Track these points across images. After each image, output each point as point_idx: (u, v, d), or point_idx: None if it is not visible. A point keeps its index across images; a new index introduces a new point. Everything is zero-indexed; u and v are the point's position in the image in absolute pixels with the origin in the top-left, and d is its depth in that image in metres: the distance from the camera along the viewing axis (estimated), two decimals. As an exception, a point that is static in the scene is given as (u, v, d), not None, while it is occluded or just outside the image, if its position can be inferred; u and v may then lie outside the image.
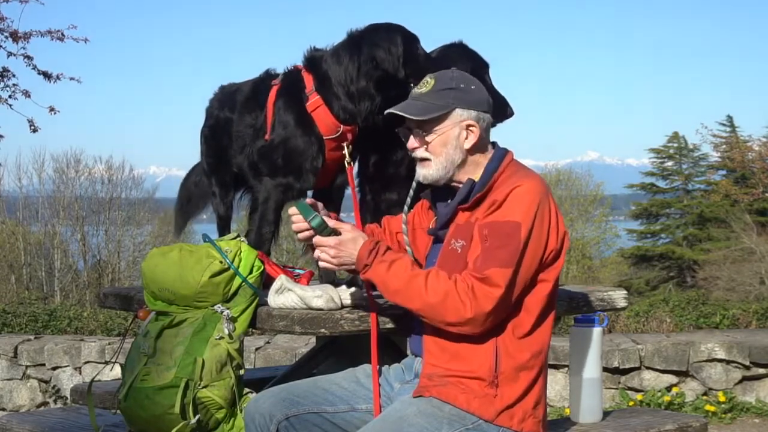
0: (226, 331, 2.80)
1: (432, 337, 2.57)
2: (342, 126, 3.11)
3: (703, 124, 45.77)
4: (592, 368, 3.20)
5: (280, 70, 3.28)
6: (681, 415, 3.52)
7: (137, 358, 2.84)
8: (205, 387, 2.75)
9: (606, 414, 3.32)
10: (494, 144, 2.71)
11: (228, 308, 2.83)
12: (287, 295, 2.80)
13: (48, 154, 29.84)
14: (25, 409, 7.39)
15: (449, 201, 2.71)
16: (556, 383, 6.87)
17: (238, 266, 2.88)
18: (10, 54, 10.04)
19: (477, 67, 3.08)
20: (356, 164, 3.28)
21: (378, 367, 2.70)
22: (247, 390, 2.87)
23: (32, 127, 10.31)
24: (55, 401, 7.44)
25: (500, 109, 3.01)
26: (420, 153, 2.65)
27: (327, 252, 2.58)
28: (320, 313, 2.71)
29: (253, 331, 4.05)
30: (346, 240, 2.57)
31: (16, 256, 19.09)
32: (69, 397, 6.66)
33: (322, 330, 2.69)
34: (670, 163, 27.91)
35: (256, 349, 7.09)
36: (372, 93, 3.05)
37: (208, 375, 2.75)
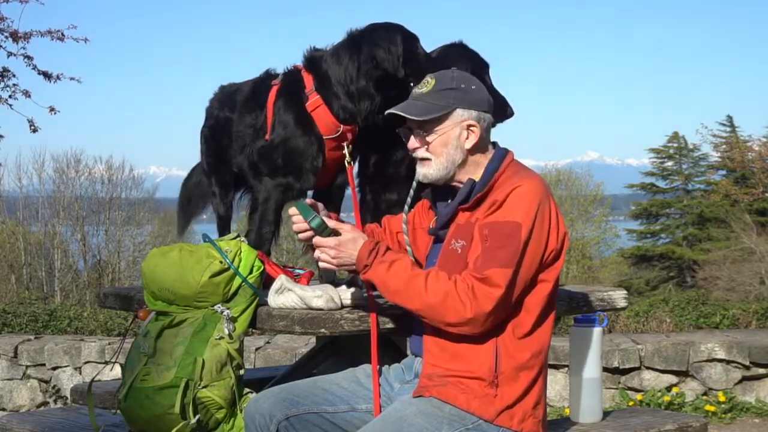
0: (226, 331, 2.80)
1: (432, 337, 2.57)
2: (342, 126, 3.11)
3: (703, 124, 45.82)
4: (592, 368, 3.20)
5: (280, 70, 3.28)
6: (681, 415, 3.52)
7: (137, 358, 2.84)
8: (205, 387, 2.75)
9: (606, 414, 3.32)
10: (495, 144, 2.71)
11: (228, 308, 2.83)
12: (287, 295, 2.80)
13: (48, 154, 29.90)
14: (25, 409, 7.39)
15: (449, 201, 2.71)
16: (556, 383, 6.87)
17: (238, 266, 2.88)
18: (10, 54, 10.05)
19: (477, 67, 3.08)
20: (356, 164, 3.28)
21: (378, 367, 2.70)
22: (247, 390, 2.87)
23: (32, 127, 10.30)
24: (55, 401, 7.44)
25: (500, 109, 3.01)
26: (421, 153, 2.65)
27: (327, 252, 2.58)
28: (320, 313, 2.71)
29: (253, 331, 4.05)
30: (346, 240, 2.57)
31: (16, 256, 19.09)
32: (69, 397, 6.66)
33: (322, 330, 2.69)
34: (670, 163, 27.92)
35: (256, 349, 7.09)
36: (372, 92, 3.05)
37: (208, 375, 2.75)
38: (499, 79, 3.18)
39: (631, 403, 6.68)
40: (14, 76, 10.21)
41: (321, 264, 2.63)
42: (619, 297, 3.28)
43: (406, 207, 2.81)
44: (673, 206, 27.19)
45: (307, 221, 2.58)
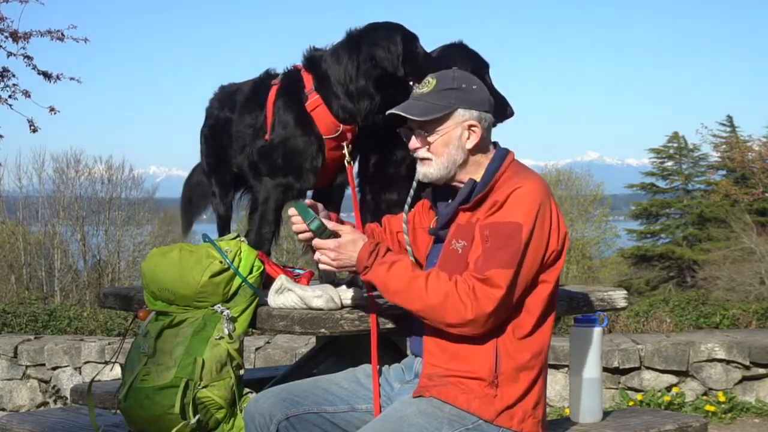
0: (226, 331, 2.80)
1: (432, 338, 2.56)
2: (341, 125, 3.11)
3: (703, 124, 45.81)
4: (592, 368, 3.20)
5: (280, 70, 3.28)
6: (681, 415, 3.52)
7: (137, 358, 2.84)
8: (205, 387, 2.75)
9: (606, 414, 3.32)
10: (495, 144, 2.71)
11: (228, 308, 2.83)
12: (287, 295, 2.80)
13: (48, 154, 29.86)
14: (25, 409, 7.39)
15: (450, 201, 2.70)
16: (556, 383, 6.87)
17: (238, 266, 2.88)
18: (10, 54, 10.05)
19: (477, 67, 3.08)
20: (356, 164, 3.28)
21: (378, 367, 2.70)
22: (247, 390, 2.87)
23: (32, 127, 10.31)
24: (55, 401, 7.44)
25: (500, 109, 3.01)
26: (422, 153, 2.65)
27: (327, 255, 2.58)
28: (320, 313, 2.71)
29: (253, 331, 4.05)
30: (346, 242, 2.57)
31: (16, 256, 19.09)
32: (69, 397, 6.66)
33: (322, 330, 2.69)
34: (670, 163, 27.92)
35: (256, 349, 7.09)
36: (371, 92, 3.05)
37: (208, 375, 2.75)
38: (499, 79, 3.17)
39: (631, 403, 6.68)
40: (14, 76, 10.23)
41: (321, 266, 2.63)
42: (619, 297, 3.28)
43: (406, 207, 2.81)
44: (673, 206, 27.19)
45: (306, 223, 2.58)
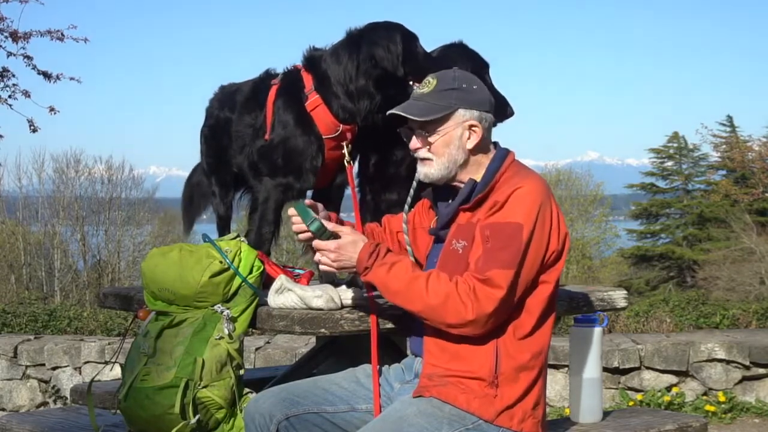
0: (226, 331, 2.80)
1: (432, 338, 2.56)
2: (341, 125, 3.11)
3: (703, 124, 45.81)
4: (592, 368, 3.20)
5: (280, 70, 3.28)
6: (681, 415, 3.52)
7: (137, 358, 2.84)
8: (205, 387, 2.75)
9: (606, 414, 3.32)
10: (496, 144, 2.70)
11: (228, 308, 2.83)
12: (287, 295, 2.80)
13: (48, 154, 29.86)
14: (25, 409, 7.39)
15: (450, 201, 2.70)
16: (556, 383, 6.87)
17: (238, 266, 2.88)
18: (10, 54, 10.05)
19: (477, 67, 3.08)
20: (356, 164, 3.28)
21: (378, 367, 2.70)
22: (247, 390, 2.87)
23: (32, 127, 10.31)
24: (54, 401, 7.44)
25: (500, 109, 3.01)
26: (422, 153, 2.65)
27: (327, 256, 2.58)
28: (320, 313, 2.71)
29: (253, 331, 4.05)
30: (346, 243, 2.57)
31: (16, 256, 19.09)
32: (69, 397, 6.66)
33: (322, 330, 2.69)
34: (670, 163, 27.93)
35: (256, 349, 7.09)
36: (371, 91, 3.05)
37: (208, 375, 2.75)
38: (499, 79, 3.17)
39: (631, 403, 6.68)
40: (14, 76, 10.23)
41: (321, 267, 2.63)
42: (619, 297, 3.28)
43: (406, 207, 2.81)
44: (673, 206, 27.20)
45: (306, 224, 2.58)
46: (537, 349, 2.56)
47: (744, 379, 6.93)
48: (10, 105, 10.15)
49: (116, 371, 5.08)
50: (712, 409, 6.63)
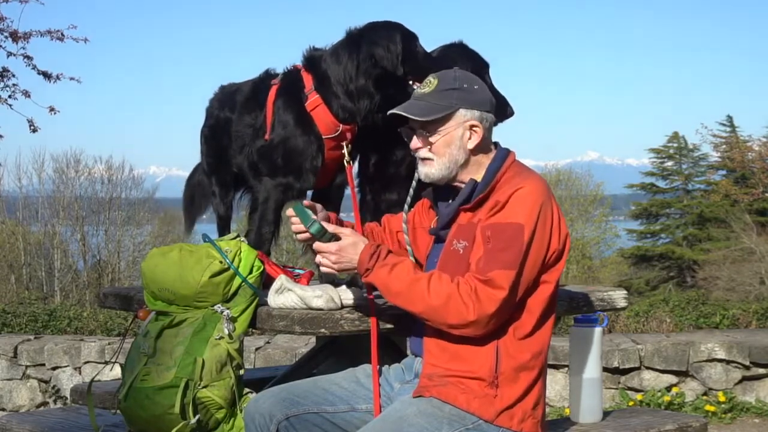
0: (226, 331, 2.80)
1: (432, 338, 2.56)
2: (341, 125, 3.11)
3: (703, 124, 45.80)
4: (592, 368, 3.20)
5: (280, 70, 3.28)
6: (681, 415, 3.52)
7: (137, 358, 2.84)
8: (205, 387, 2.75)
9: (606, 414, 3.32)
10: (496, 144, 2.70)
11: (228, 308, 2.83)
12: (287, 295, 2.80)
13: (48, 154, 29.85)
14: (25, 409, 7.39)
15: (450, 200, 2.70)
16: (556, 383, 6.87)
17: (238, 266, 2.87)
18: (10, 54, 10.05)
19: (477, 67, 3.08)
20: (356, 164, 3.28)
21: (378, 367, 2.70)
22: (247, 390, 2.87)
23: (32, 127, 10.31)
24: (54, 401, 7.44)
25: (500, 109, 3.01)
26: (423, 153, 2.64)
27: (328, 257, 2.58)
28: (320, 313, 2.71)
29: (253, 331, 4.05)
30: (347, 245, 2.56)
31: (16, 256, 19.09)
32: (69, 397, 6.66)
33: (322, 330, 2.69)
34: (670, 163, 27.93)
35: (256, 349, 7.09)
36: (371, 91, 3.05)
37: (208, 375, 2.75)
38: (499, 79, 3.17)
39: (631, 403, 6.68)
40: (14, 76, 10.23)
41: (322, 269, 2.63)
42: (619, 297, 3.28)
43: (405, 206, 2.81)
44: (673, 206, 27.20)
45: (306, 227, 2.57)
46: (537, 349, 2.56)
47: (744, 379, 6.93)
48: (10, 105, 10.16)
49: (116, 371, 5.08)
50: (712, 409, 6.63)
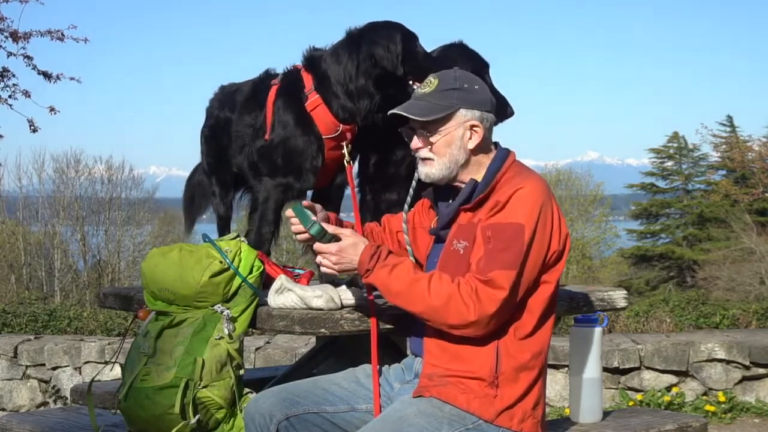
0: (226, 331, 2.80)
1: (432, 338, 2.56)
2: (341, 125, 3.11)
3: (703, 124, 45.80)
4: (592, 368, 3.20)
5: (280, 70, 3.28)
6: (681, 415, 3.52)
7: (137, 358, 2.84)
8: (205, 387, 2.75)
9: (606, 414, 3.32)
10: (497, 144, 2.70)
11: (228, 308, 2.83)
12: (287, 295, 2.80)
13: (48, 154, 29.88)
14: (25, 409, 7.39)
15: (451, 200, 2.70)
16: (556, 383, 6.87)
17: (238, 266, 2.87)
18: (10, 54, 10.05)
19: (477, 67, 3.08)
20: (356, 164, 3.28)
21: (378, 367, 2.70)
22: (247, 390, 2.87)
23: (32, 127, 10.31)
24: (55, 401, 7.44)
25: (500, 109, 3.02)
26: (424, 153, 2.64)
27: (328, 258, 2.58)
28: (320, 313, 2.71)
29: (253, 331, 4.05)
30: (347, 246, 2.56)
31: (16, 256, 19.09)
32: (69, 397, 6.66)
33: (322, 330, 2.69)
34: (670, 163, 27.92)
35: (256, 349, 7.09)
36: (371, 91, 3.05)
37: (208, 375, 2.75)
38: (499, 79, 3.17)
39: (631, 403, 6.68)
40: (14, 76, 10.23)
41: (323, 270, 2.63)
42: (619, 297, 3.28)
43: (405, 206, 2.81)
44: (673, 206, 27.20)
45: (306, 228, 2.57)
46: (537, 349, 2.56)
47: (744, 379, 6.93)
48: (10, 105, 10.16)
49: (116, 371, 5.08)
50: (712, 409, 6.63)
